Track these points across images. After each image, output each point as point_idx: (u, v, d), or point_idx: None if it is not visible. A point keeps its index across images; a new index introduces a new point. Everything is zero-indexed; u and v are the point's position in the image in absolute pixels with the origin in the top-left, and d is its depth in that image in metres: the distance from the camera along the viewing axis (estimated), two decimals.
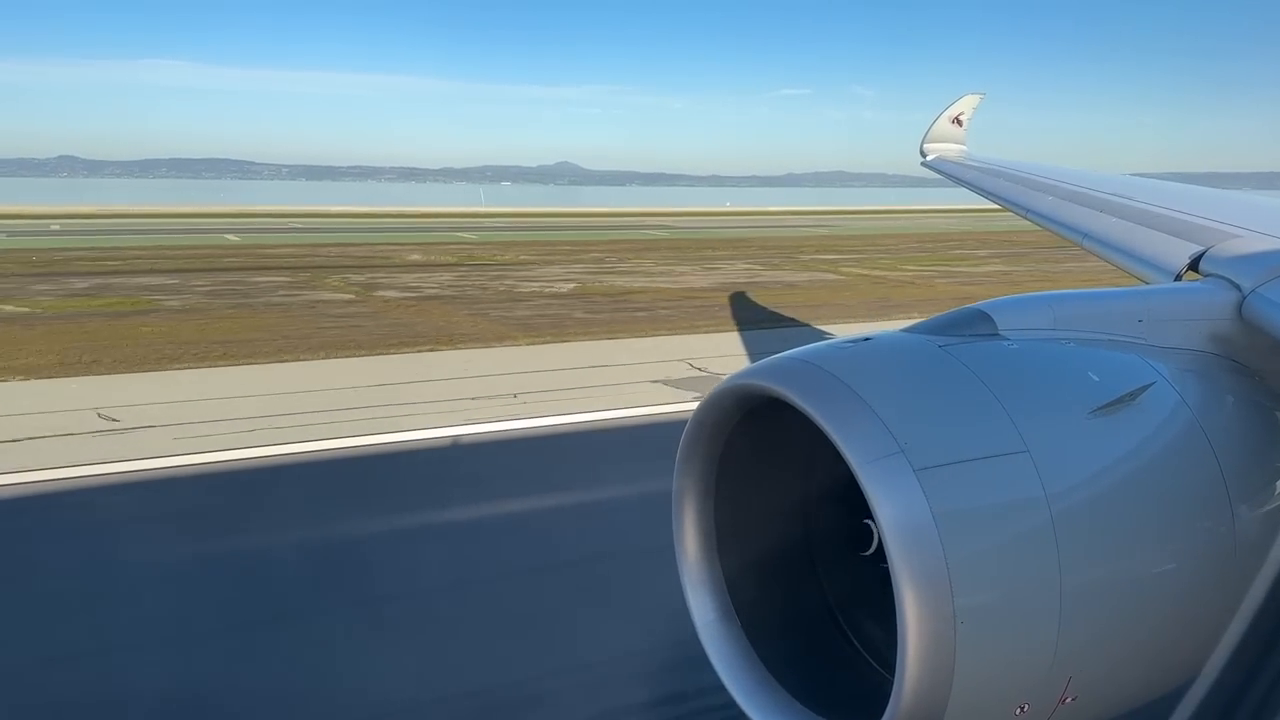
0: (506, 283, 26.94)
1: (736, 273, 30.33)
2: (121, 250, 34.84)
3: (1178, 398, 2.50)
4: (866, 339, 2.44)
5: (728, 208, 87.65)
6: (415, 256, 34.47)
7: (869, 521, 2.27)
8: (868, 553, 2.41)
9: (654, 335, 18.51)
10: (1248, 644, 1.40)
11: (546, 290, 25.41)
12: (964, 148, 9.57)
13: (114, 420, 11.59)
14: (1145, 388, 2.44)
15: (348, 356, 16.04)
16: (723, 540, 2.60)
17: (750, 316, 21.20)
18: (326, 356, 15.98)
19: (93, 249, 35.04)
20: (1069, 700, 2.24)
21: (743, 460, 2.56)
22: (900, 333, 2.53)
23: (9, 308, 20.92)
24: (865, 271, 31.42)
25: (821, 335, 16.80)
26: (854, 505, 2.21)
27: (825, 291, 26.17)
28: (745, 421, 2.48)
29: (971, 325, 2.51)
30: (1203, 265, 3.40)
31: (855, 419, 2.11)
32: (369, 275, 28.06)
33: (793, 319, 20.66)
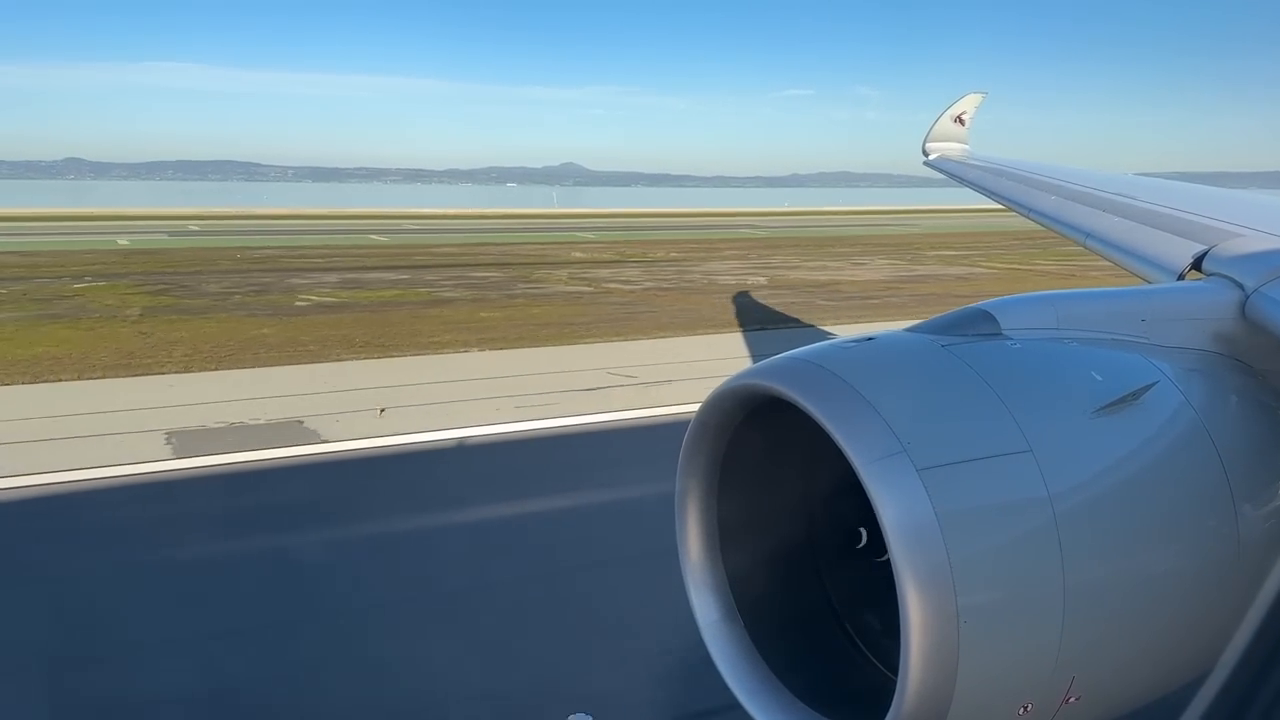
0: (696, 277, 28.34)
1: (894, 267, 32.06)
2: (303, 249, 36.74)
3: (1181, 397, 2.49)
4: (869, 338, 2.45)
5: (786, 208, 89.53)
6: (579, 254, 35.96)
7: (872, 521, 2.27)
8: (871, 552, 2.41)
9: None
10: (1260, 644, 1.40)
11: (747, 283, 26.82)
12: (966, 147, 9.55)
13: (631, 376, 13.43)
14: (1148, 387, 2.44)
15: (703, 334, 18.14)
16: (726, 541, 2.61)
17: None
18: (672, 335, 18.09)
19: (274, 249, 36.45)
20: (1073, 700, 2.24)
21: (745, 461, 2.56)
22: (903, 332, 2.53)
23: (313, 297, 22.99)
24: (1010, 265, 32.44)
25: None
26: (857, 505, 2.21)
27: (1009, 283, 27.20)
28: (748, 422, 2.48)
29: (974, 325, 2.51)
30: (1206, 264, 3.39)
31: (858, 418, 2.12)
32: (569, 271, 29.85)
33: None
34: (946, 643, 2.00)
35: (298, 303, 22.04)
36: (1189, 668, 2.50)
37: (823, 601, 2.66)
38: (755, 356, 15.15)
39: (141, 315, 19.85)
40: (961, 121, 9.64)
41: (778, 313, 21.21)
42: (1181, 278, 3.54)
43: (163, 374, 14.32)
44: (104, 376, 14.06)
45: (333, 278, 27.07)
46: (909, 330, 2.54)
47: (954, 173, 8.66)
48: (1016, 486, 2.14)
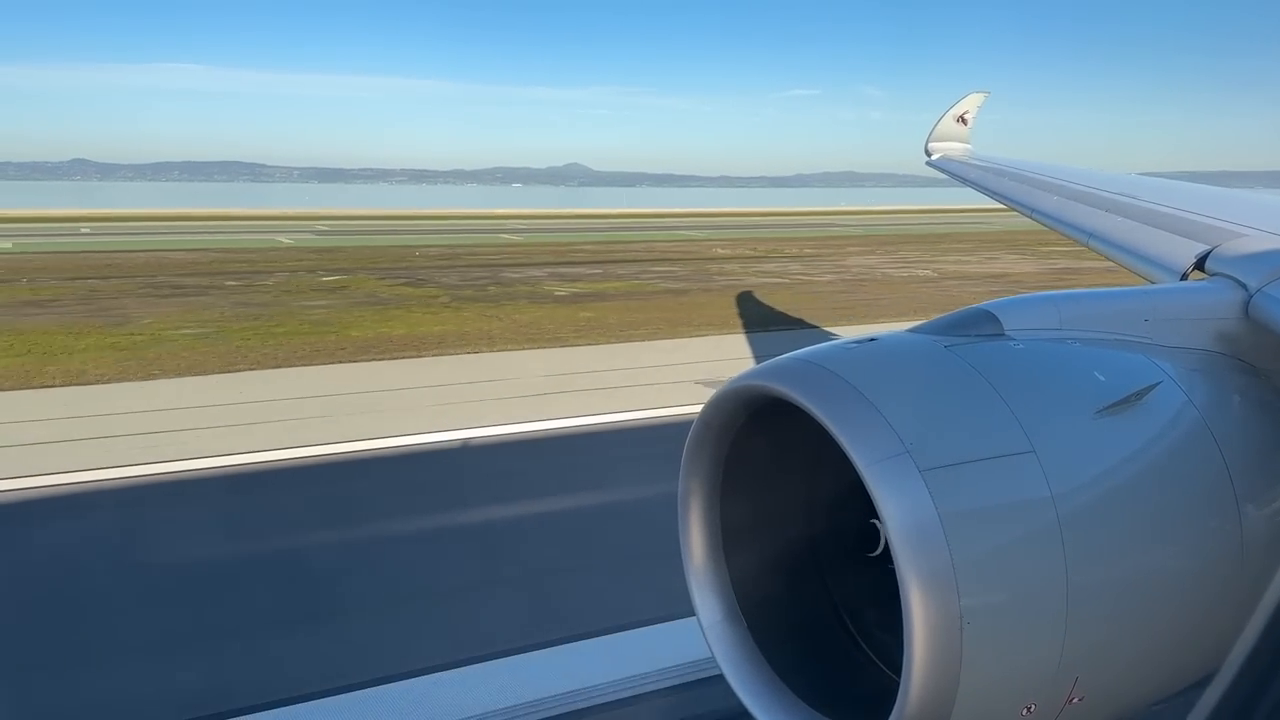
0: (860, 270, 29.81)
1: (1028, 261, 33.60)
2: (467, 247, 38.89)
3: (1184, 397, 2.49)
4: (872, 339, 2.45)
5: (845, 208, 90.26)
6: (721, 251, 38.25)
7: (875, 522, 2.28)
8: (874, 553, 2.41)
9: None
10: (1265, 645, 1.40)
11: (919, 275, 28.46)
12: (969, 146, 9.53)
13: None
14: (1151, 387, 2.44)
15: None
16: (729, 542, 2.61)
17: None
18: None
19: (441, 247, 38.20)
20: (1076, 700, 2.24)
21: (749, 462, 2.56)
22: (906, 333, 2.53)
23: (558, 288, 25.13)
24: None
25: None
26: (860, 506, 2.22)
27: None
28: (751, 423, 2.49)
29: (977, 325, 2.51)
30: (1209, 264, 3.39)
31: (861, 419, 2.12)
32: (738, 265, 31.94)
33: None
34: (950, 644, 2.00)
35: (557, 293, 24.12)
36: (1193, 669, 2.50)
37: (826, 603, 2.66)
38: None
39: (453, 303, 22.39)
40: (964, 121, 9.63)
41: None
42: (1184, 278, 3.54)
43: (576, 345, 16.82)
44: (539, 348, 16.59)
45: (539, 271, 29.21)
46: (911, 331, 2.54)
47: (956, 173, 8.65)
48: (1020, 487, 2.14)
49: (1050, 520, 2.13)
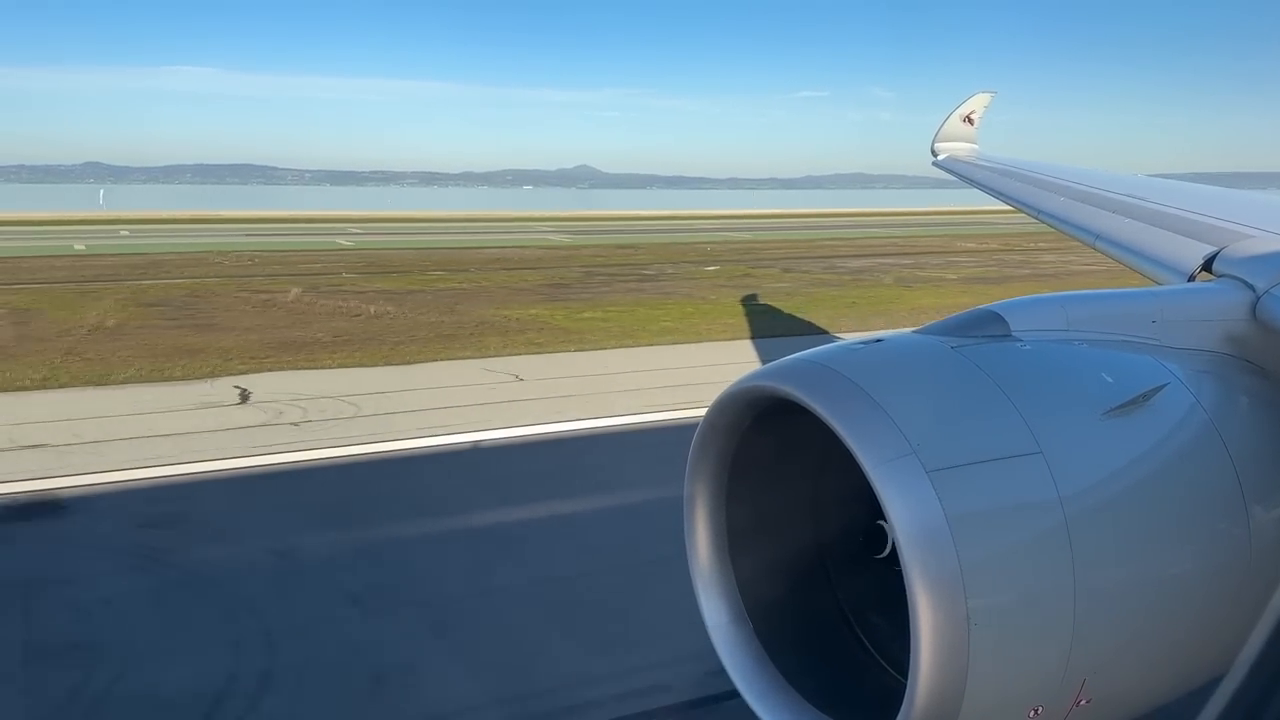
0: (1076, 268, 31.32)
1: None
2: (745, 244, 40.52)
3: (1192, 399, 2.48)
4: (878, 340, 2.44)
5: (939, 209, 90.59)
6: (970, 245, 40.75)
7: (882, 523, 2.27)
8: (881, 555, 2.41)
9: None
10: (1274, 648, 1.39)
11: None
12: (975, 147, 9.46)
13: None
14: (1159, 389, 2.43)
15: None
16: (735, 543, 2.61)
17: None
18: None
19: (715, 243, 40.54)
20: (1083, 703, 2.23)
21: (755, 463, 2.56)
22: (912, 334, 2.53)
23: (929, 273, 28.15)
24: None
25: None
26: (867, 507, 2.21)
27: None
28: (756, 424, 2.48)
29: (984, 326, 2.50)
30: (1216, 266, 3.37)
31: (867, 420, 2.11)
32: (1020, 256, 34.54)
33: None
34: (957, 645, 2.00)
35: (947, 277, 27.11)
36: (1200, 671, 2.49)
37: (832, 604, 2.65)
38: None
39: (897, 284, 25.41)
40: (970, 121, 9.56)
41: None
42: (1192, 279, 3.52)
43: None
44: None
45: (867, 262, 31.73)
46: (918, 332, 2.53)
47: (963, 173, 8.60)
48: (1027, 488, 2.13)
49: (1058, 522, 2.12)
